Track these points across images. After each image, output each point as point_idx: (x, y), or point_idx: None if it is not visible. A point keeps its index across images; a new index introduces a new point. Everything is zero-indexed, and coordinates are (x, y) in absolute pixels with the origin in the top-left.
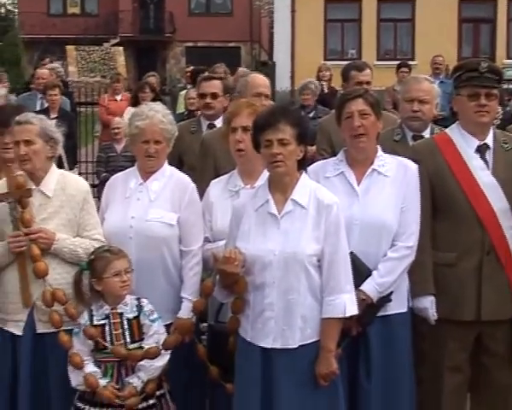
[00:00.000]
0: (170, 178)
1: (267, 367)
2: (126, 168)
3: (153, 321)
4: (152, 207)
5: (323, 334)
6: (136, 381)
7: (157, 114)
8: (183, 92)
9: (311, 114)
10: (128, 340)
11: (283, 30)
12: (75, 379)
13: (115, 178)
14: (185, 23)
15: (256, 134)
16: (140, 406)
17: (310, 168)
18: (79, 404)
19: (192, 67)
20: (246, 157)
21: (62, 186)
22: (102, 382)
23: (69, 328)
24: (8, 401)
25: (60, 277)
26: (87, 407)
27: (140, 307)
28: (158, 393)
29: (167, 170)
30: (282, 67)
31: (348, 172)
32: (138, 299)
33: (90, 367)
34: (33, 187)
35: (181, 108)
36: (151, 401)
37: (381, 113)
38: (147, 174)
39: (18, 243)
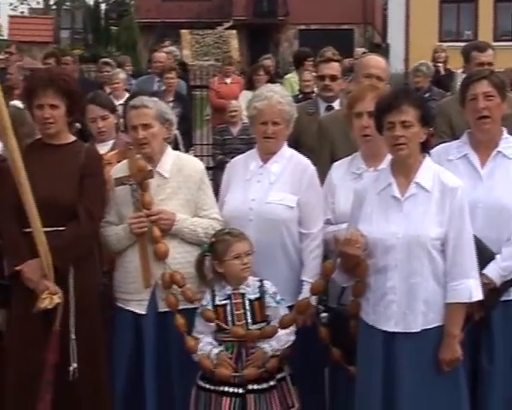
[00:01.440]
0: (290, 160)
1: (389, 351)
2: (242, 151)
3: (278, 302)
4: (272, 189)
5: (448, 319)
6: (266, 347)
7: (275, 94)
8: (289, 76)
9: (425, 96)
10: (249, 321)
11: (397, 11)
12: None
13: (235, 161)
14: (298, 6)
15: (379, 116)
16: (260, 386)
17: (433, 151)
18: (200, 382)
19: (298, 50)
20: (372, 142)
21: (179, 167)
22: (215, 350)
23: (188, 307)
24: (129, 380)
25: (180, 256)
26: (207, 385)
27: (262, 289)
28: (278, 376)
29: (287, 152)
30: (396, 49)
31: (472, 154)
32: (261, 281)
33: (205, 346)
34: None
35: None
36: (272, 383)
37: (506, 94)
38: (266, 156)
39: (139, 225)
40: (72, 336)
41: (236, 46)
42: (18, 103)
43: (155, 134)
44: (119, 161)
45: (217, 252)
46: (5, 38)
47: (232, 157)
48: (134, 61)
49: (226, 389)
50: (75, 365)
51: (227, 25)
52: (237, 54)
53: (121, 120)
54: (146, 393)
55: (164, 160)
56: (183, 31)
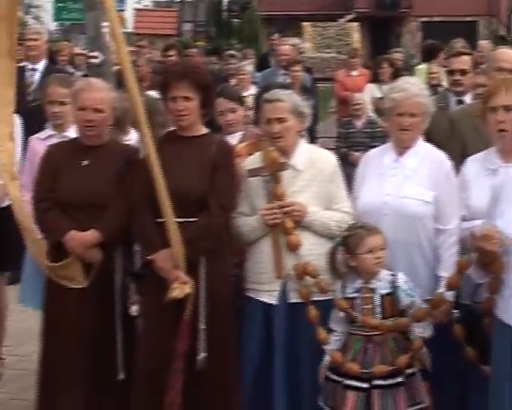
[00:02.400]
0: (426, 154)
1: None
2: (366, 145)
3: (412, 296)
4: (407, 183)
5: None
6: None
7: (413, 86)
8: (421, 67)
9: None
10: (378, 316)
11: None
12: None
13: (370, 154)
14: None
15: None
16: (385, 382)
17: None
18: (328, 373)
19: (429, 42)
20: (507, 137)
21: (312, 160)
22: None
23: (320, 299)
24: (257, 370)
25: (312, 247)
26: (334, 376)
27: (395, 284)
28: (408, 371)
29: (423, 146)
30: None
31: None
32: (393, 275)
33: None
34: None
35: None
36: (399, 379)
37: None
38: (402, 150)
39: (272, 216)
40: (202, 326)
41: (358, 39)
42: (153, 93)
43: (290, 128)
44: (249, 154)
45: (349, 245)
46: (130, 30)
47: (356, 151)
48: (256, 53)
49: (352, 383)
50: (203, 354)
51: (349, 17)
52: (359, 46)
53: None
54: (274, 383)
55: (297, 152)
56: (304, 23)
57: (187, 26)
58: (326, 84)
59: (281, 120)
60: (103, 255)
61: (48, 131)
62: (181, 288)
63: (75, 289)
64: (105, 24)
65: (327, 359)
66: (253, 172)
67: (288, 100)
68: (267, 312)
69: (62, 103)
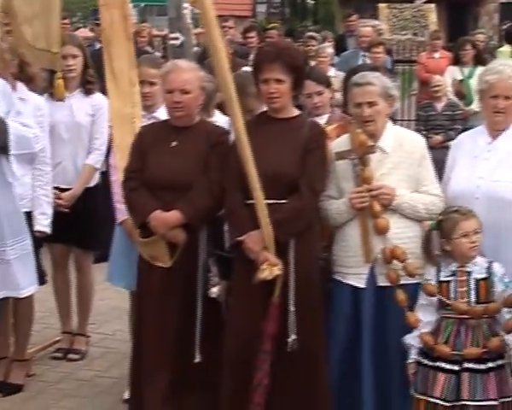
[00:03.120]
0: None
1: None
2: (446, 127)
3: (507, 285)
4: (500, 167)
5: None
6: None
7: (508, 68)
8: (503, 49)
9: None
10: (472, 299)
11: None
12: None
13: (463, 137)
14: None
15: None
16: (476, 366)
17: None
18: (419, 357)
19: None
20: None
21: (400, 142)
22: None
23: (408, 283)
24: (345, 353)
25: (400, 231)
26: (425, 360)
27: (490, 270)
28: (498, 362)
29: None
30: None
31: None
32: (490, 262)
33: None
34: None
35: None
36: (490, 365)
37: None
38: (496, 132)
39: (360, 200)
40: (292, 309)
41: (435, 20)
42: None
43: (380, 111)
44: (337, 136)
45: (444, 230)
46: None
47: (435, 133)
48: (332, 35)
49: (442, 365)
50: (294, 336)
51: None
52: (436, 28)
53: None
54: (361, 367)
55: (385, 135)
56: (380, 5)
57: (261, 8)
58: (402, 66)
59: (371, 104)
60: (187, 236)
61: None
62: (270, 269)
63: (159, 268)
64: (186, 5)
65: (414, 344)
66: (341, 155)
67: (378, 83)
68: (355, 295)
69: (152, 84)
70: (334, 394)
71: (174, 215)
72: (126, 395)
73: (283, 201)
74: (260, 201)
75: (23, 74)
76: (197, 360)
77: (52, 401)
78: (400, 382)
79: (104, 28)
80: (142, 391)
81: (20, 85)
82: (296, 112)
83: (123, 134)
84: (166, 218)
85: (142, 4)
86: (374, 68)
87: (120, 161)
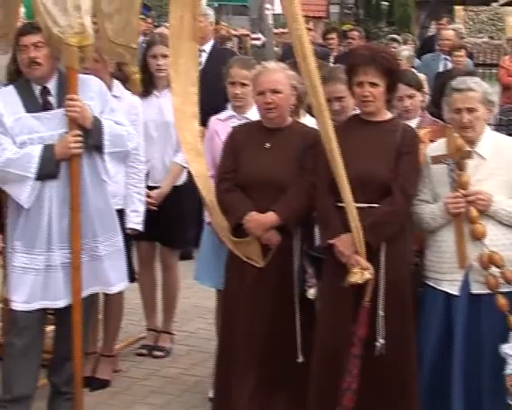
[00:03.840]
0: None
1: None
2: None
3: None
4: None
5: None
6: None
7: None
8: None
9: None
10: None
11: None
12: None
13: None
14: None
15: None
16: None
17: None
18: None
19: None
20: None
21: (498, 148)
22: None
23: (506, 290)
24: (435, 361)
25: (495, 238)
26: None
27: None
28: None
29: None
30: None
31: None
32: None
33: None
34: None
35: None
36: None
37: None
38: None
39: (456, 205)
40: (381, 313)
41: None
42: None
43: (479, 117)
44: (430, 140)
45: None
46: (277, 12)
47: None
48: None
49: None
50: (382, 341)
51: (503, 1)
52: None
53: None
54: (452, 375)
55: (483, 140)
56: (456, 7)
57: (334, 8)
58: (483, 69)
59: (471, 110)
60: (281, 237)
61: (228, 112)
62: (361, 273)
63: (252, 268)
64: (268, 6)
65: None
66: (437, 159)
67: (479, 89)
68: (447, 302)
69: (243, 85)
70: (423, 400)
71: (270, 217)
72: (211, 394)
73: (375, 204)
74: (351, 204)
75: (120, 73)
76: (300, 360)
77: (139, 398)
78: (492, 390)
79: (173, 25)
80: (230, 390)
81: (116, 84)
82: (389, 115)
83: (183, 131)
84: (262, 220)
85: (216, 4)
86: (471, 73)
87: (186, 155)
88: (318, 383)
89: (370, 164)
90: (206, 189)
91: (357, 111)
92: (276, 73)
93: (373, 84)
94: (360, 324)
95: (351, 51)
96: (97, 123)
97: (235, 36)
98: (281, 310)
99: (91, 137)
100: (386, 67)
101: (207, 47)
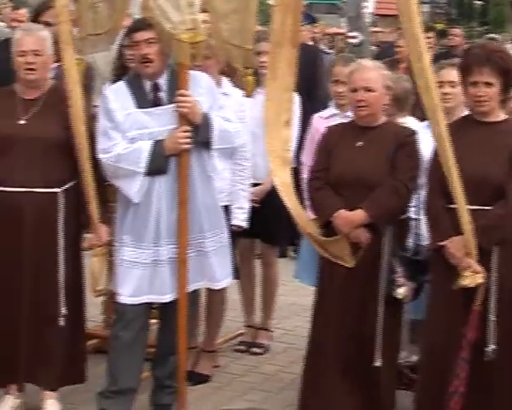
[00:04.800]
0: None
1: None
2: None
3: None
4: None
5: None
6: None
7: None
8: None
9: None
10: None
11: None
12: None
13: None
14: None
15: None
16: None
17: None
18: None
19: None
20: None
21: None
22: None
23: None
24: None
25: None
26: None
27: None
28: None
29: None
30: None
31: None
32: None
33: None
34: None
35: None
36: None
37: None
38: None
39: None
40: (492, 318)
41: None
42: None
43: None
44: None
45: None
46: (369, 11)
47: None
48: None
49: None
50: (493, 346)
51: None
52: None
53: None
54: None
55: None
56: None
57: (425, 8)
58: None
59: None
60: (371, 236)
61: (330, 110)
62: (473, 277)
63: (341, 267)
64: (365, 4)
65: None
66: None
67: None
68: None
69: (345, 83)
70: None
71: (358, 214)
72: None
73: (487, 207)
74: (463, 206)
75: (228, 69)
76: (377, 364)
77: (238, 394)
78: None
79: (274, 29)
80: (316, 387)
81: (225, 80)
82: (504, 116)
83: (271, 138)
84: (351, 217)
85: (305, 2)
86: None
87: (271, 164)
88: (425, 385)
89: (483, 165)
90: (291, 199)
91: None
92: (371, 72)
93: (488, 84)
94: (470, 327)
95: (465, 51)
96: (207, 119)
97: (328, 34)
98: (368, 310)
99: (200, 132)
100: (502, 66)
101: None
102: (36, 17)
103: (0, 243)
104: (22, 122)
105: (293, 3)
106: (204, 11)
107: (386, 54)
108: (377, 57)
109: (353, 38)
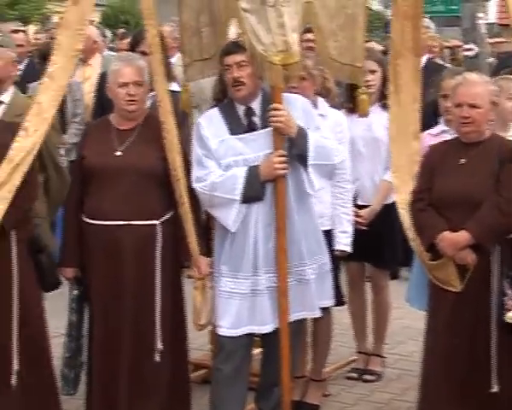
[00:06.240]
0: None
1: None
2: None
3: None
4: None
5: None
6: None
7: None
8: None
9: None
10: None
11: None
12: None
13: None
14: None
15: None
16: None
17: None
18: None
19: None
20: None
21: None
22: None
23: None
24: None
25: None
26: None
27: None
28: None
29: None
30: None
31: None
32: None
33: None
34: None
35: None
36: None
37: None
38: None
39: None
40: None
41: None
42: None
43: None
44: None
45: None
46: (492, 21)
47: None
48: None
49: None
50: None
51: None
52: None
53: None
54: None
55: None
56: None
57: None
58: None
59: None
60: (478, 257)
61: (440, 127)
62: None
63: (451, 292)
64: (480, 15)
65: None
66: None
67: None
68: None
69: None
70: None
71: (463, 235)
72: None
73: None
74: None
75: (323, 89)
76: (494, 390)
77: None
78: None
79: (394, 39)
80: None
81: (321, 101)
82: None
83: (398, 153)
84: (455, 238)
85: (428, 16)
86: None
87: (395, 180)
88: None
89: None
90: (405, 219)
91: None
92: (477, 87)
93: None
94: None
95: None
96: (302, 132)
97: (448, 47)
98: (479, 334)
99: (295, 146)
100: None
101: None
102: (133, 47)
103: (100, 276)
104: (118, 154)
105: (411, 11)
106: (309, 31)
107: (505, 64)
108: (496, 69)
109: (469, 50)
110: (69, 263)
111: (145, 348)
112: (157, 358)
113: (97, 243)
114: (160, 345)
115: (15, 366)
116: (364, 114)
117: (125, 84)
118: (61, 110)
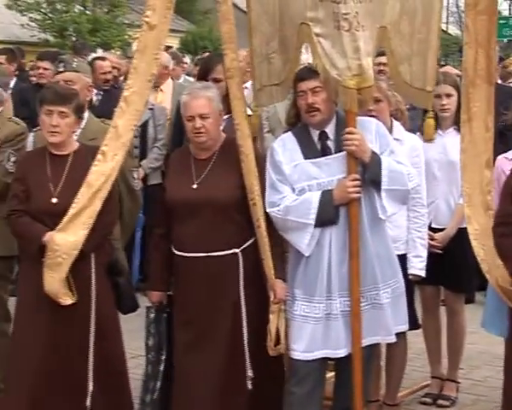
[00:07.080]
0: None
1: None
2: None
3: None
4: None
5: None
6: None
7: None
8: None
9: None
10: None
11: None
12: None
13: None
14: None
15: None
16: None
17: None
18: None
19: None
20: None
21: None
22: None
23: None
24: None
25: None
26: None
27: None
28: None
29: None
30: None
31: None
32: None
33: None
34: None
35: None
36: None
37: None
38: None
39: None
40: None
41: None
42: None
43: None
44: None
45: None
46: None
47: None
48: None
49: None
50: None
51: None
52: None
53: None
54: None
55: None
56: None
57: None
58: None
59: None
60: None
61: None
62: None
63: None
64: None
65: None
66: None
67: None
68: None
69: None
70: None
71: None
72: None
73: None
74: None
75: (398, 112)
76: None
77: None
78: None
79: (466, 68)
80: None
81: (397, 125)
82: None
83: (470, 182)
84: None
85: (505, 40)
86: None
87: (467, 210)
88: None
89: None
90: (485, 250)
91: None
92: None
93: None
94: None
95: None
96: (376, 157)
97: None
98: None
99: (369, 170)
100: None
101: None
102: (204, 75)
103: (185, 308)
104: (195, 186)
105: (484, 40)
106: (381, 54)
107: None
108: None
109: None
110: (158, 287)
111: (237, 379)
112: (249, 386)
113: (182, 273)
114: (250, 373)
115: (90, 386)
116: (429, 140)
117: (191, 118)
118: (142, 135)
